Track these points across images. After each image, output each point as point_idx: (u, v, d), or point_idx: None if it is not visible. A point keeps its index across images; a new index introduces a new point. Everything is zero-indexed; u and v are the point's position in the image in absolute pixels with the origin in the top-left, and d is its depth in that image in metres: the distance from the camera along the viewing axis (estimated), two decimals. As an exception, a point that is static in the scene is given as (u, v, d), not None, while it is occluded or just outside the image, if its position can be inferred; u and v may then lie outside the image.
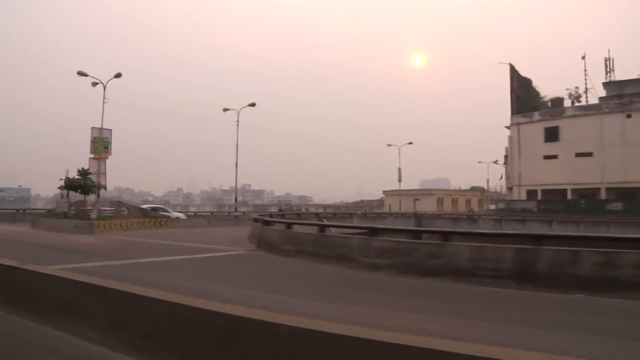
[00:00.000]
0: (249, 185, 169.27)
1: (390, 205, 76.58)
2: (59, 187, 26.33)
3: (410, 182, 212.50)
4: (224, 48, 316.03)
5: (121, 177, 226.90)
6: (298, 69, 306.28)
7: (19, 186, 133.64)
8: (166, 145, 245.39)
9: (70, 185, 25.96)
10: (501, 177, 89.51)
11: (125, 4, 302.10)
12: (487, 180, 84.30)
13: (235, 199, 44.99)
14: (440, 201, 78.71)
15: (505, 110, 49.13)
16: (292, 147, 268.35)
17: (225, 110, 37.24)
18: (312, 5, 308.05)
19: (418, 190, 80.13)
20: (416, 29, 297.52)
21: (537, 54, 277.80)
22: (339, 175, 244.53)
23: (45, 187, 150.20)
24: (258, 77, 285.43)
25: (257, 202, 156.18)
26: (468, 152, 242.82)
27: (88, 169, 26.82)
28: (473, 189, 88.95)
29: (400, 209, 62.57)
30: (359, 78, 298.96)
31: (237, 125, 36.35)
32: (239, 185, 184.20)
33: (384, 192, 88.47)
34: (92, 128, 27.97)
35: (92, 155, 27.73)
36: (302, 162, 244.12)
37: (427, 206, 66.24)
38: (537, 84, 52.76)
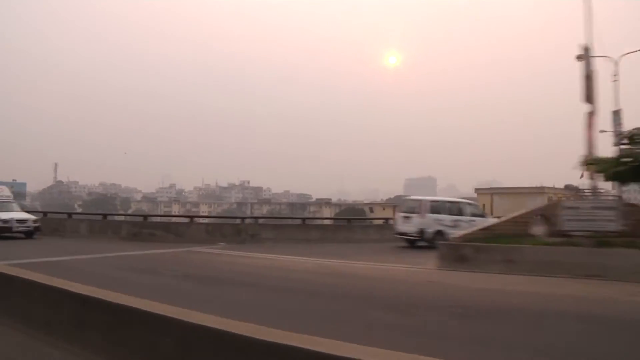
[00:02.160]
0: (248, 182, 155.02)
1: (484, 205, 62.84)
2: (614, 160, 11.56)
3: (397, 181, 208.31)
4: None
5: (103, 171, 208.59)
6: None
7: (13, 180, 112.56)
8: (144, 140, 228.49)
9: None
10: (582, 176, 78.54)
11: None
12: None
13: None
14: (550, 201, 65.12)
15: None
16: (279, 144, 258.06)
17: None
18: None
19: (524, 187, 64.66)
20: (394, 28, 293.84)
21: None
22: (319, 172, 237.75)
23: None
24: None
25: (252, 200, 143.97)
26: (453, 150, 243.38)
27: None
28: (567, 187, 77.89)
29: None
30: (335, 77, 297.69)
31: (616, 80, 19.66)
32: (237, 182, 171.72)
33: (477, 189, 69.63)
34: None
35: None
36: (292, 159, 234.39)
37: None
38: None
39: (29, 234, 18.84)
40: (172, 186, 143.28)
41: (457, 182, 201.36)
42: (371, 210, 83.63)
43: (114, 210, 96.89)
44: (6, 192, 20.57)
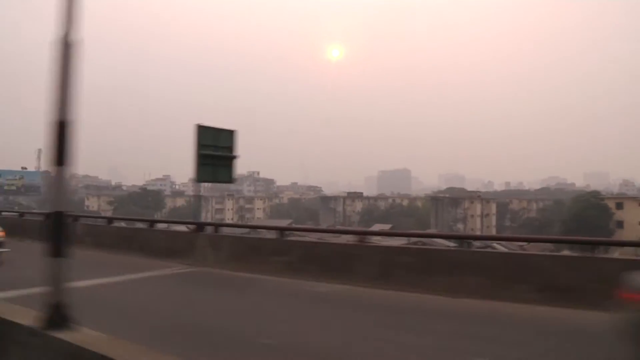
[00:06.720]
0: (258, 173, 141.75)
1: None
2: None
3: (360, 173, 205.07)
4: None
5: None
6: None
7: (23, 168, 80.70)
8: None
9: None
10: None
11: None
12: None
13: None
14: None
15: None
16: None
17: None
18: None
19: None
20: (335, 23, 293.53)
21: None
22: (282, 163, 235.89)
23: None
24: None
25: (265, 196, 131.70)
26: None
27: None
28: None
29: None
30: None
31: None
32: (245, 172, 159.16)
33: None
34: None
35: None
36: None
37: None
38: None
39: None
40: (166, 177, 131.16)
41: (419, 175, 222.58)
42: (619, 207, 61.74)
43: (152, 209, 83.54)
44: None
